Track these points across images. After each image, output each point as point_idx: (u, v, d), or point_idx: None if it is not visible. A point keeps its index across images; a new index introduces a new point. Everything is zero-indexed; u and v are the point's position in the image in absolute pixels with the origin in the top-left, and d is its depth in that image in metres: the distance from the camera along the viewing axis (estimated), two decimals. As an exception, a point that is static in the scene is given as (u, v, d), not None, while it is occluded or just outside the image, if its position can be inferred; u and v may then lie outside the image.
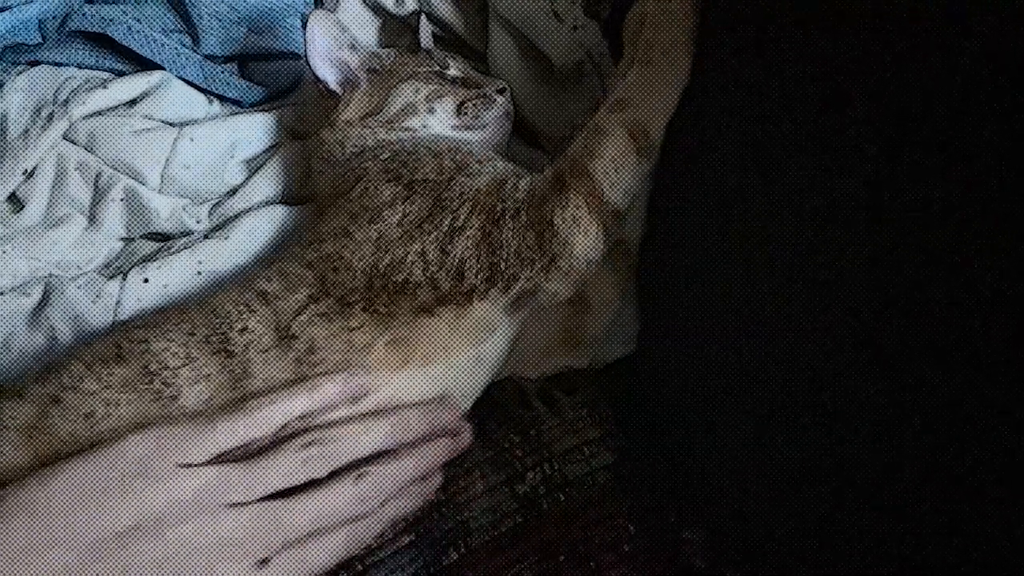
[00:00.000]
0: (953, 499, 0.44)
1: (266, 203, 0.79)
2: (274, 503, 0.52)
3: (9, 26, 0.79)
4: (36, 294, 0.71)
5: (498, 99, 0.74)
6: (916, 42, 0.44)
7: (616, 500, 0.60)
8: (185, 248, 0.73)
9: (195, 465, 0.51)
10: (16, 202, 0.76)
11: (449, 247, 0.58)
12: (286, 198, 0.80)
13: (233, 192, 0.80)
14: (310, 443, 0.54)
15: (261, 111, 0.85)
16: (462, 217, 0.59)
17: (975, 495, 0.42)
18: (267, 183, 0.80)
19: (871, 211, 0.48)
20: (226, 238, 0.73)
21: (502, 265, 0.57)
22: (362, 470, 0.54)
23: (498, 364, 0.64)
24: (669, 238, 0.69)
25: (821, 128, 0.51)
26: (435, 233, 0.58)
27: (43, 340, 0.69)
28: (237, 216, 0.76)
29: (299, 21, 0.88)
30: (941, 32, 0.42)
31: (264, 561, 0.51)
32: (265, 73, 0.88)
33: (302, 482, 0.53)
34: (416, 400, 0.59)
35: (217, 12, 0.82)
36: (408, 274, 0.58)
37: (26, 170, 0.75)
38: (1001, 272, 0.40)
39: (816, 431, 0.54)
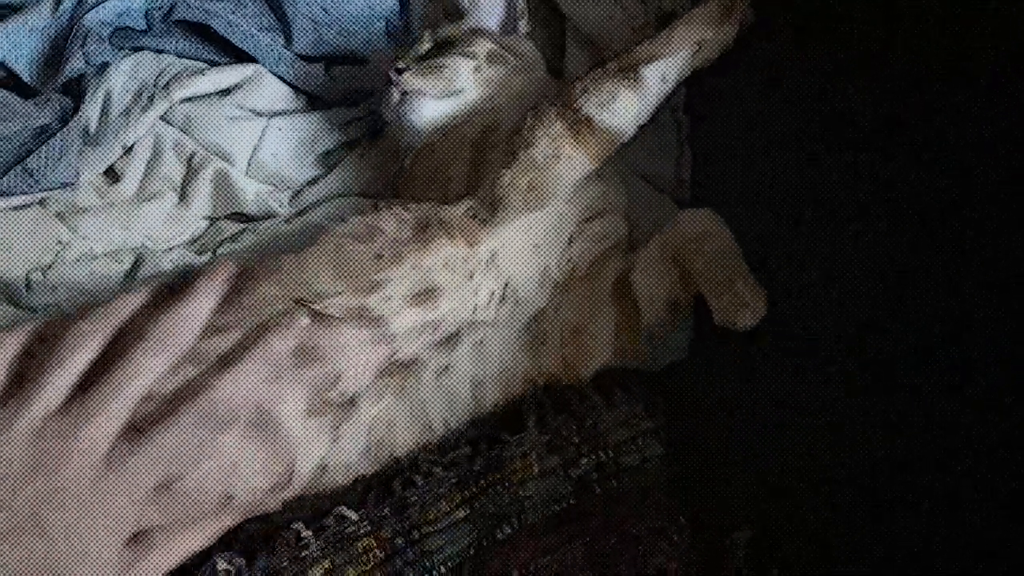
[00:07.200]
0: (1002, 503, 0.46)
1: (342, 195, 0.84)
2: None
3: (119, 11, 0.84)
4: (127, 262, 0.76)
5: None
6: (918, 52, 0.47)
7: (667, 491, 0.62)
8: (269, 231, 0.78)
9: None
10: (113, 176, 0.82)
11: None
12: (361, 191, 0.84)
13: (313, 182, 0.85)
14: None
15: (343, 110, 0.89)
16: None
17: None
18: (345, 177, 0.85)
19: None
20: (306, 223, 0.77)
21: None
22: None
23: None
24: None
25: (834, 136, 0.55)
26: None
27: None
28: (317, 204, 0.81)
29: (384, 26, 0.93)
30: (941, 40, 0.46)
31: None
32: (349, 76, 0.93)
33: None
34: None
35: (311, 14, 0.88)
36: None
37: (125, 146, 0.80)
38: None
39: (869, 443, 0.56)
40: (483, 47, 0.77)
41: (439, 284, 0.65)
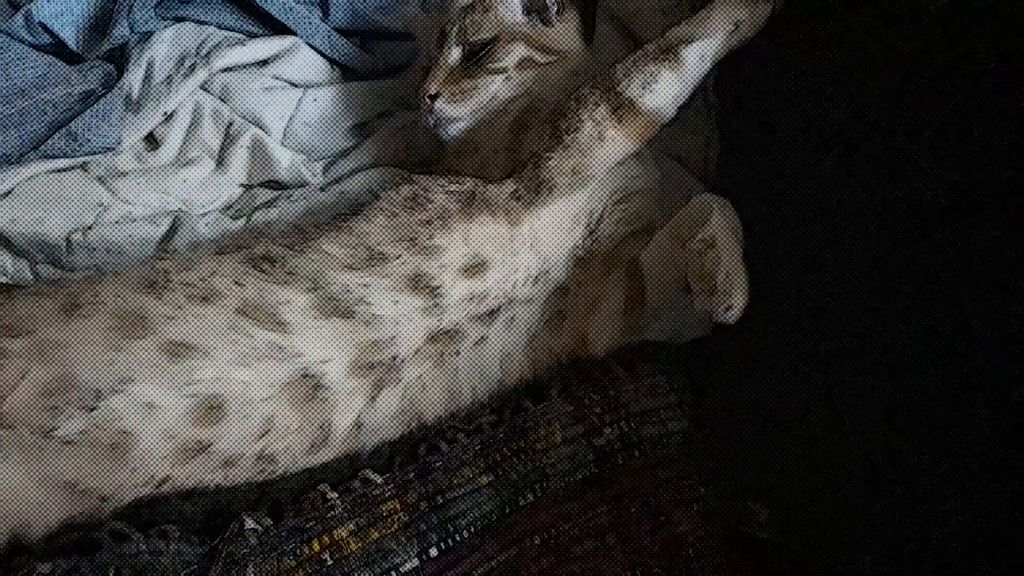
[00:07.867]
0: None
1: (374, 166, 0.85)
2: None
3: (164, -18, 0.86)
4: (164, 225, 0.78)
5: None
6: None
7: (688, 463, 0.63)
8: (303, 198, 0.79)
9: None
10: (153, 141, 0.84)
11: None
12: (393, 162, 0.86)
13: (345, 153, 0.86)
14: None
15: (377, 83, 0.91)
16: None
17: None
18: (377, 148, 0.86)
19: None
20: (341, 192, 0.79)
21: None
22: None
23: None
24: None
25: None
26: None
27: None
28: (350, 174, 0.83)
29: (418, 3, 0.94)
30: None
31: None
32: (383, 50, 0.94)
33: None
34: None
35: (348, -12, 0.89)
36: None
37: (166, 113, 0.82)
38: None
39: (881, 417, 0.56)
40: (512, 56, 0.76)
41: (487, 258, 0.67)
